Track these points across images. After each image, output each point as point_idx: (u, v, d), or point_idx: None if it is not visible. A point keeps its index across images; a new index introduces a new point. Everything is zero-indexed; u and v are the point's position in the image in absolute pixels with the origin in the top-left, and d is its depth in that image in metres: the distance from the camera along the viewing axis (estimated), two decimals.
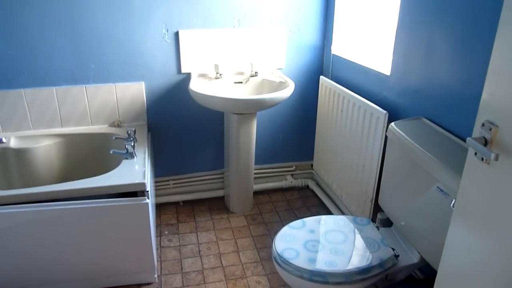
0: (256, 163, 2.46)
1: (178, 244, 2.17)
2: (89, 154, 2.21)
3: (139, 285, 1.88)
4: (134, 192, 1.69)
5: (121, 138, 2.03)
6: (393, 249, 1.48)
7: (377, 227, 1.64)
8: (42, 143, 2.14)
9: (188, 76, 2.29)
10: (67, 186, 1.64)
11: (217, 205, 2.53)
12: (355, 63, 2.13)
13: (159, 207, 2.49)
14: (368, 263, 1.41)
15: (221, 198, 2.58)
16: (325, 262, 1.41)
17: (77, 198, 1.63)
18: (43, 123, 2.19)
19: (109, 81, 2.20)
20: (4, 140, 2.09)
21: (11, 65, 2.05)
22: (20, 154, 2.10)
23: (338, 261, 1.42)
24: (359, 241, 1.53)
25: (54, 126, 2.20)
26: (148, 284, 1.89)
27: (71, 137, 2.18)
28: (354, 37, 2.20)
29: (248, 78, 2.28)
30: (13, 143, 2.10)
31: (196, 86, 2.09)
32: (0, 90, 2.07)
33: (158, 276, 1.93)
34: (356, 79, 2.12)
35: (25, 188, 2.06)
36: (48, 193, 1.60)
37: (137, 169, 1.77)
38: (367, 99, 1.90)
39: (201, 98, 2.02)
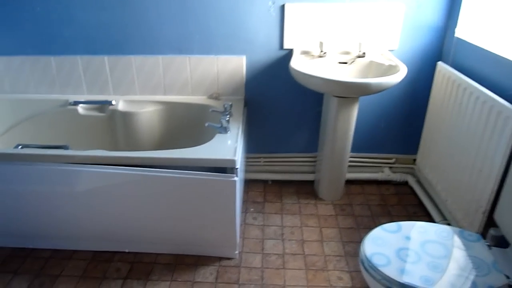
0: (352, 151, 2.29)
1: (262, 223, 2.15)
2: (187, 124, 2.27)
3: (220, 258, 1.90)
4: (224, 167, 1.67)
5: (217, 111, 2.03)
6: (508, 277, 1.25)
7: (488, 245, 1.40)
8: (146, 109, 2.24)
9: (290, 52, 2.18)
10: (160, 154, 1.68)
11: (306, 189, 2.44)
12: (484, 49, 1.80)
13: (247, 183, 2.48)
14: None
15: (311, 183, 2.48)
16: (419, 277, 1.24)
17: (169, 167, 1.67)
18: (148, 89, 2.29)
19: (211, 53, 2.20)
20: (113, 102, 2.24)
21: (124, 33, 2.16)
22: (126, 117, 2.24)
23: (435, 278, 1.24)
24: (465, 260, 1.31)
25: (158, 93, 2.30)
26: (228, 259, 1.90)
27: (171, 105, 2.25)
28: (487, 17, 1.86)
29: (354, 59, 2.09)
30: (121, 106, 2.25)
31: (298, 64, 1.97)
32: (113, 56, 2.21)
33: (239, 252, 1.93)
34: (484, 69, 1.81)
35: (128, 149, 2.21)
36: (143, 158, 1.67)
37: (229, 145, 1.76)
38: (495, 94, 1.60)
39: (301, 77, 1.91)
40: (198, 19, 2.11)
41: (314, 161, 2.48)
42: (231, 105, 2.02)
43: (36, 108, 2.30)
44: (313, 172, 2.49)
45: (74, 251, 1.95)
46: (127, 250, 1.94)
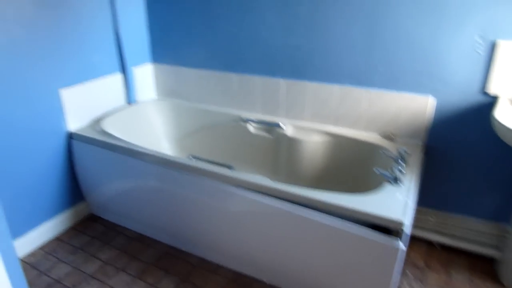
0: None
1: None
2: (352, 161, 2.09)
3: None
4: (387, 227, 1.44)
5: (389, 156, 1.79)
6: None
7: None
8: (313, 138, 2.15)
9: (494, 99, 1.78)
10: (319, 196, 1.55)
11: (483, 267, 1.97)
12: None
13: (409, 238, 2.15)
14: None
15: (490, 260, 2.00)
16: None
17: (324, 210, 1.52)
18: (319, 117, 2.19)
19: (394, 88, 1.96)
20: (283, 126, 2.22)
21: (305, 57, 2.11)
22: (292, 143, 2.19)
23: None
24: None
25: (328, 122, 2.18)
26: None
27: (339, 139, 2.11)
28: None
29: None
30: (289, 131, 2.21)
31: (504, 115, 1.58)
32: (290, 79, 2.19)
33: None
34: None
35: (287, 176, 2.16)
36: (301, 197, 1.56)
37: (398, 201, 1.51)
38: None
39: (506, 133, 1.52)
40: (385, 49, 1.91)
41: (502, 235, 1.98)
42: (406, 152, 1.75)
43: (213, 119, 2.45)
44: (496, 248, 2.00)
45: (219, 266, 1.98)
46: (265, 281, 1.88)
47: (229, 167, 1.80)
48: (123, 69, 2.43)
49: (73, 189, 2.28)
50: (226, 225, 1.82)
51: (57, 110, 2.09)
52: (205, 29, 2.35)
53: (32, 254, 2.08)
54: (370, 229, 1.45)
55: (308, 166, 2.20)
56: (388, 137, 2.02)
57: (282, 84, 2.22)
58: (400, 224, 1.39)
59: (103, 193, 2.23)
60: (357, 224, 1.47)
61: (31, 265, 2.00)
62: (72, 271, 1.96)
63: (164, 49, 2.57)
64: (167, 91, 2.67)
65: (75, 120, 2.18)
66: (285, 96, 2.23)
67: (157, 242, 2.16)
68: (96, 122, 2.25)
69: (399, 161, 1.71)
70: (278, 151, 2.26)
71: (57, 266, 2.00)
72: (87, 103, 2.24)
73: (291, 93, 2.21)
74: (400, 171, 1.62)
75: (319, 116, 2.19)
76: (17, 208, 2.00)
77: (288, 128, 2.22)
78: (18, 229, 2.03)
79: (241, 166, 2.37)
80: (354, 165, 2.08)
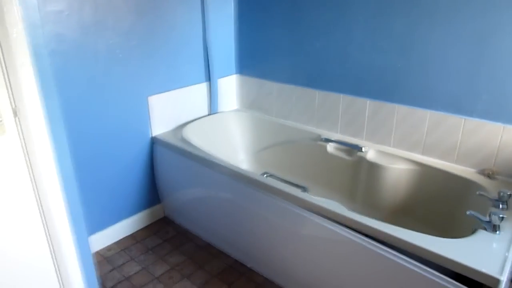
0: None
1: None
2: (440, 197, 1.87)
3: None
4: (479, 282, 1.24)
5: (486, 197, 1.56)
6: None
7: None
8: (397, 165, 1.98)
9: None
10: (397, 232, 1.39)
11: None
12: None
13: None
14: None
15: None
16: None
17: (402, 249, 1.37)
18: (405, 145, 2.01)
19: (499, 120, 1.73)
20: (364, 149, 2.08)
21: (395, 78, 1.96)
22: (373, 168, 2.04)
23: None
24: None
25: (415, 151, 1.99)
26: None
27: (427, 170, 1.91)
28: None
29: None
30: (370, 155, 2.06)
31: None
32: (377, 101, 2.05)
33: None
34: None
35: (364, 203, 2.01)
36: (379, 232, 1.42)
37: (495, 253, 1.30)
38: None
39: None
40: (494, 76, 1.69)
41: None
42: (510, 195, 1.52)
43: (291, 136, 2.39)
44: None
45: None
46: None
47: (303, 188, 1.72)
48: (209, 80, 2.48)
49: (151, 191, 2.37)
50: (294, 248, 1.74)
51: (144, 116, 2.20)
52: (292, 44, 2.31)
53: (108, 249, 2.19)
54: (456, 281, 1.27)
55: (388, 196, 2.03)
56: (487, 174, 1.78)
57: (367, 104, 2.09)
58: (496, 281, 1.19)
59: (177, 198, 2.29)
60: (441, 273, 1.29)
61: (106, 260, 2.11)
62: (141, 271, 2.03)
63: (249, 62, 2.58)
64: (248, 103, 2.68)
65: (159, 126, 2.28)
66: (369, 117, 2.10)
67: (223, 254, 2.15)
68: (178, 129, 2.32)
69: (499, 204, 1.49)
70: (357, 176, 2.12)
71: (129, 264, 2.08)
72: (172, 111, 2.32)
73: (377, 115, 2.07)
74: (500, 216, 1.40)
75: (405, 142, 2.01)
76: (100, 204, 2.13)
77: (370, 152, 2.07)
78: (98, 224, 2.16)
79: (315, 187, 2.27)
80: (442, 202, 1.86)
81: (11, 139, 1.16)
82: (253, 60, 2.56)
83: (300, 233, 1.67)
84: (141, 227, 2.37)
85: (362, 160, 2.08)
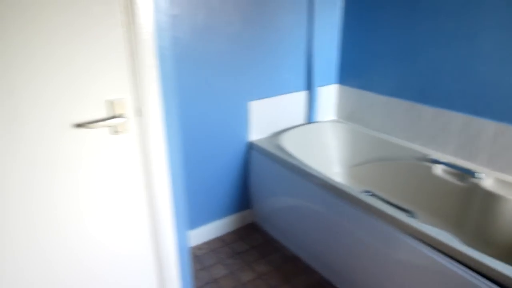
0: None
1: None
2: None
3: None
4: None
5: None
6: None
7: None
8: None
9: None
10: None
11: None
12: None
13: None
14: None
15: None
16: None
17: None
18: None
19: None
20: (480, 176, 1.85)
21: None
22: (490, 198, 1.81)
23: None
24: None
25: None
26: None
27: None
28: None
29: None
30: (488, 183, 1.83)
31: None
32: (503, 123, 1.81)
33: None
34: None
35: (475, 237, 1.80)
36: (495, 271, 1.23)
37: None
38: None
39: None
40: None
41: None
42: None
43: (393, 153, 2.23)
44: None
45: None
46: None
47: (409, 213, 1.57)
48: (309, 88, 2.43)
49: (243, 196, 2.38)
50: (391, 275, 1.60)
51: (243, 121, 2.21)
52: (401, 54, 2.15)
53: (199, 248, 2.24)
54: None
55: (505, 232, 1.78)
56: None
57: (489, 126, 1.85)
58: None
59: (268, 206, 2.26)
60: None
61: (197, 258, 2.15)
62: (229, 275, 2.03)
63: (351, 72, 2.48)
64: (347, 114, 2.57)
65: (257, 132, 2.28)
66: (490, 141, 1.86)
67: (310, 269, 2.07)
68: (275, 136, 2.30)
69: None
70: (468, 204, 1.90)
71: (216, 266, 2.10)
72: (270, 117, 2.31)
73: (500, 139, 1.83)
74: None
75: None
76: (194, 203, 2.18)
77: (488, 180, 1.84)
78: (191, 223, 2.21)
79: (418, 211, 2.08)
80: None
81: (132, 137, 1.21)
82: (355, 69, 2.45)
83: (400, 260, 1.53)
84: (229, 231, 2.39)
85: (476, 187, 1.85)
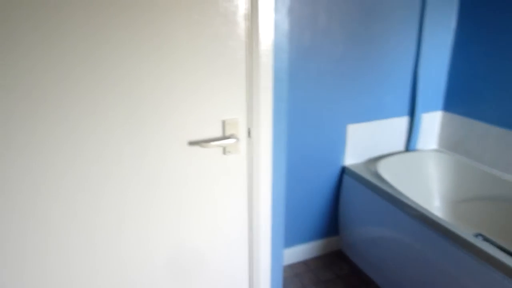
0: None
1: None
2: None
3: None
4: None
5: None
6: None
7: None
8: None
9: None
10: None
11: None
12: None
13: None
14: None
15: None
16: None
17: None
18: None
19: None
20: None
21: None
22: None
23: None
24: None
25: None
26: None
27: None
28: None
29: None
30: None
31: None
32: None
33: None
34: None
35: None
36: None
37: None
38: None
39: None
40: None
41: None
42: None
43: (507, 192, 1.98)
44: None
45: None
46: None
47: None
48: (412, 114, 2.27)
49: (331, 221, 2.28)
50: None
51: (340, 144, 2.13)
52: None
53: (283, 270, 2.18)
54: None
55: None
56: None
57: None
58: None
59: (358, 235, 2.14)
60: None
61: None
62: None
63: (460, 98, 2.27)
64: (451, 144, 2.35)
65: (352, 156, 2.18)
66: None
67: None
68: (371, 162, 2.18)
69: None
70: None
71: None
72: (367, 142, 2.20)
73: None
74: None
75: None
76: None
77: None
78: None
79: None
80: None
81: (240, 158, 1.20)
82: (465, 96, 2.24)
83: None
84: (314, 256, 2.30)
85: None
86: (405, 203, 1.77)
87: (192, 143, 1.12)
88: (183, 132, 1.11)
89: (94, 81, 0.98)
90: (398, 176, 2.15)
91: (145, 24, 0.98)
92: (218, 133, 1.15)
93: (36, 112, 0.94)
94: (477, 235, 1.62)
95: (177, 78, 1.06)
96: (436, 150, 2.37)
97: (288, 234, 2.18)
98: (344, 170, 2.18)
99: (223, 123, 1.14)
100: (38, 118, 0.95)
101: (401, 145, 2.32)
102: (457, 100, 2.30)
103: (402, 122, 2.27)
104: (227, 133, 1.15)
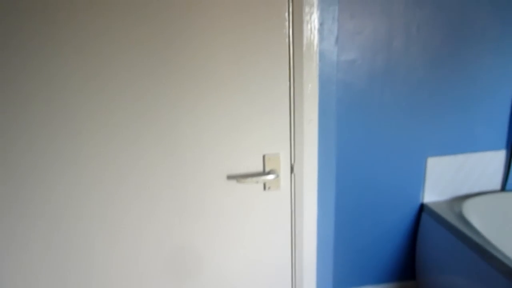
0: None
1: None
2: None
3: None
4: None
5: None
6: None
7: None
8: None
9: None
10: None
11: None
12: None
13: None
14: None
15: None
16: None
17: None
18: None
19: None
20: None
21: None
22: None
23: None
24: None
25: None
26: None
27: None
28: None
29: None
30: None
31: None
32: None
33: None
34: None
35: None
36: None
37: None
38: None
39: None
40: None
41: None
42: None
43: None
44: None
45: None
46: None
47: None
48: (509, 147, 1.95)
49: (407, 264, 2.05)
50: None
51: (418, 179, 1.91)
52: None
53: None
54: None
55: None
56: None
57: None
58: None
59: (437, 281, 1.87)
60: None
61: None
62: None
63: None
64: None
65: (433, 193, 1.94)
66: None
67: None
68: (456, 201, 1.91)
69: None
70: None
71: None
72: (452, 178, 1.94)
73: None
74: None
75: None
76: (346, 262, 1.98)
77: None
78: (340, 283, 2.01)
79: None
80: None
81: (283, 195, 1.13)
82: None
83: None
84: None
85: None
86: (495, 256, 1.50)
87: (230, 177, 1.08)
88: (223, 166, 1.08)
89: (138, 124, 1.01)
90: (488, 221, 1.85)
91: (188, 60, 0.99)
92: (259, 168, 1.10)
93: (100, 154, 1.01)
94: None
95: (221, 114, 1.04)
96: None
97: (355, 273, 2.01)
98: (423, 208, 1.94)
99: (264, 157, 1.09)
100: (103, 161, 1.01)
101: (495, 183, 2.00)
102: None
103: (496, 157, 1.96)
104: (268, 168, 1.09)
